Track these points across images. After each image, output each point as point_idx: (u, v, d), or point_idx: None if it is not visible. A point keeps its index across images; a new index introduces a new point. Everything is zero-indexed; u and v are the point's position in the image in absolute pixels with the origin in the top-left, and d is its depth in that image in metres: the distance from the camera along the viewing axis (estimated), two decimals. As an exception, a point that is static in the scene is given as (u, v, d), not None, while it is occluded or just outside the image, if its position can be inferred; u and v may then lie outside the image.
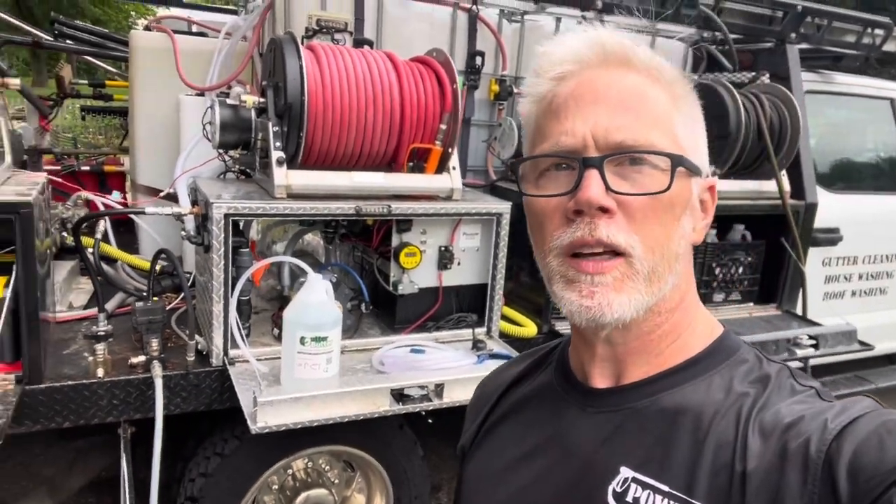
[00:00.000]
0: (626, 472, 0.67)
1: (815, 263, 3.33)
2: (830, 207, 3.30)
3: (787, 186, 3.02)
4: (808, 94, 3.30)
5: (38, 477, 2.77)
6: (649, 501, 0.64)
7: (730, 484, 0.60)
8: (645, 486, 0.65)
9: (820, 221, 3.23)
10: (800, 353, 2.69)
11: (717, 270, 3.03)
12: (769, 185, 3.01)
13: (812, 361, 2.91)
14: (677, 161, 0.66)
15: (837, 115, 3.84)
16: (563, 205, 0.67)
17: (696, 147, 0.71)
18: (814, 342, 2.72)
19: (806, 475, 0.57)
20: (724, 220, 3.07)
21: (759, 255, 3.14)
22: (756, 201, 3.02)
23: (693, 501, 0.62)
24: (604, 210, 0.64)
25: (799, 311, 3.17)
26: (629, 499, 0.66)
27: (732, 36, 3.23)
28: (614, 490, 0.67)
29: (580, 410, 0.75)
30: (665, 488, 0.64)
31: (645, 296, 0.66)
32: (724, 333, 0.74)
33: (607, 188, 0.64)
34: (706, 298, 3.04)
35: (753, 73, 3.19)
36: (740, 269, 3.09)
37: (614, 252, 0.65)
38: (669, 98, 0.69)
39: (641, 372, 0.72)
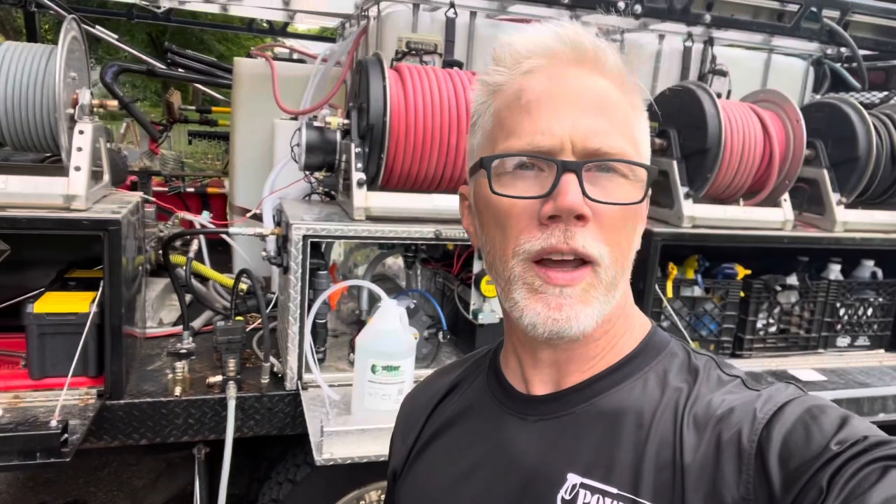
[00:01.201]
0: (573, 478, 0.66)
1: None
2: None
3: (926, 218, 2.66)
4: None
5: (128, 487, 2.86)
6: None
7: (672, 479, 0.61)
8: (593, 490, 0.65)
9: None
10: (944, 411, 2.32)
11: (842, 311, 2.70)
12: (905, 217, 2.67)
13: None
14: (652, 173, 0.67)
15: None
16: (534, 208, 0.64)
17: (648, 157, 0.72)
18: (961, 400, 2.35)
19: (740, 465, 0.58)
20: (850, 254, 2.75)
21: (892, 295, 2.78)
22: (888, 234, 2.69)
23: (640, 500, 0.62)
24: (579, 217, 0.63)
25: (941, 361, 2.76)
26: None
27: (861, 52, 2.92)
28: (563, 498, 0.66)
29: (520, 420, 0.74)
30: (613, 490, 0.64)
31: (605, 305, 0.66)
32: (652, 329, 0.74)
33: (584, 195, 0.63)
34: (828, 342, 2.71)
35: (886, 93, 2.88)
36: (869, 311, 2.75)
37: (582, 260, 0.64)
38: (631, 106, 0.69)
39: (581, 375, 0.72)
